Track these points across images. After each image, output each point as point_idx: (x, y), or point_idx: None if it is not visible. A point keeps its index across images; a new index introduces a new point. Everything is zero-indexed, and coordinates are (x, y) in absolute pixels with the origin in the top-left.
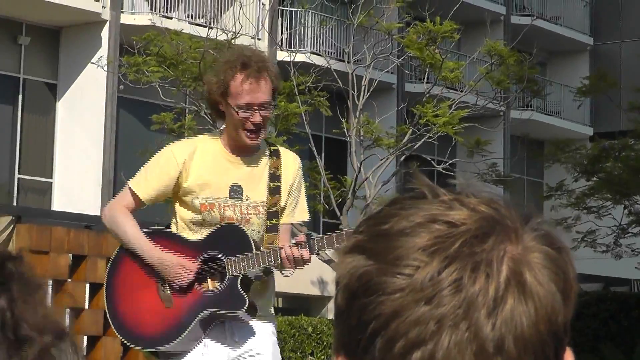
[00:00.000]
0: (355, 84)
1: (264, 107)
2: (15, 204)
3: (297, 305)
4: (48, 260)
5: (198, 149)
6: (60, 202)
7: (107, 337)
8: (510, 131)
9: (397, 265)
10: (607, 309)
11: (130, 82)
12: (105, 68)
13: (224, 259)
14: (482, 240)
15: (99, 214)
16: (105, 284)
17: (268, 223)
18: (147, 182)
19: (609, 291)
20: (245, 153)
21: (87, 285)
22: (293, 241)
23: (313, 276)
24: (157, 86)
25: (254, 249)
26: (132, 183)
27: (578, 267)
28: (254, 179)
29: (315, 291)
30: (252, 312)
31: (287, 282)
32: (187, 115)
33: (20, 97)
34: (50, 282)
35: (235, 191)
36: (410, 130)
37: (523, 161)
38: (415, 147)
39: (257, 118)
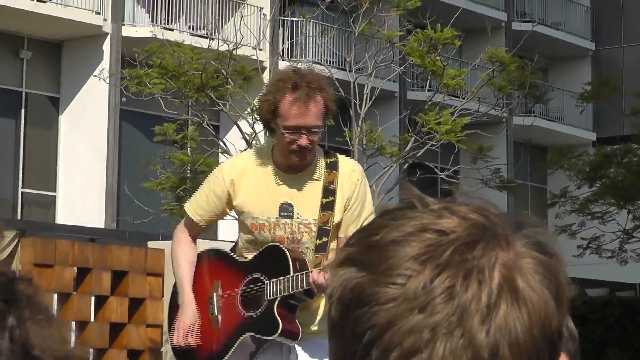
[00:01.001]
0: (357, 93)
1: (312, 130)
2: (19, 218)
3: None
4: (53, 274)
5: (249, 167)
6: (64, 216)
7: (113, 349)
8: (513, 137)
9: (389, 275)
10: (613, 314)
11: (132, 95)
12: (107, 81)
13: (264, 281)
14: (473, 247)
15: (103, 226)
16: (169, 310)
17: (317, 242)
18: (197, 202)
19: (615, 296)
20: (297, 170)
21: (92, 298)
22: (321, 266)
23: None
24: (159, 98)
25: (291, 272)
26: (186, 205)
27: (583, 272)
28: (306, 196)
29: None
30: (292, 336)
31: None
32: (189, 126)
33: (22, 111)
34: (55, 295)
35: (285, 210)
36: (413, 139)
37: (526, 167)
38: (418, 155)
39: (304, 141)
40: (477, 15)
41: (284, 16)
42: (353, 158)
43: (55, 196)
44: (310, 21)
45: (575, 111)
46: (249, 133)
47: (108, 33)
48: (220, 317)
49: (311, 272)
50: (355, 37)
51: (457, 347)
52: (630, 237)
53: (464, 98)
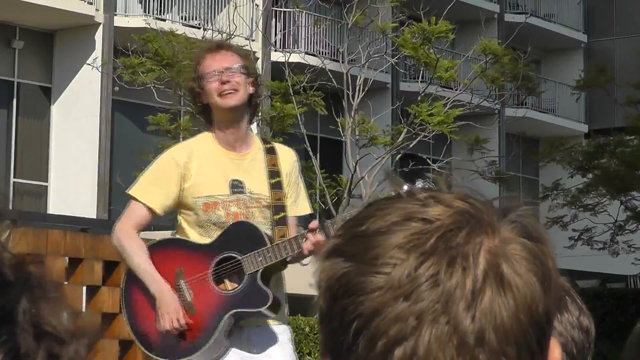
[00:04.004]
0: (350, 84)
1: (230, 70)
2: (10, 208)
3: (295, 306)
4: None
5: (195, 150)
6: (56, 206)
7: (104, 340)
8: (505, 129)
9: (375, 265)
10: (604, 306)
11: (125, 84)
12: (100, 69)
13: (239, 257)
14: (457, 234)
15: (94, 216)
16: (124, 304)
17: (276, 217)
18: (153, 189)
19: (606, 287)
20: (240, 148)
21: (84, 289)
22: (307, 229)
23: (310, 277)
24: (152, 87)
25: (268, 243)
26: (136, 194)
27: (574, 264)
28: (253, 174)
29: (312, 292)
30: (275, 308)
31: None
32: (182, 116)
33: (14, 101)
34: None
35: (237, 186)
36: (406, 130)
37: (519, 159)
38: (410, 145)
39: (224, 77)
40: (470, 6)
41: (277, 7)
42: (345, 149)
43: (47, 186)
44: (303, 12)
45: (567, 103)
46: None
47: (100, 23)
48: (195, 302)
49: (303, 237)
50: (348, 28)
51: (442, 334)
52: (621, 229)
53: (456, 89)
